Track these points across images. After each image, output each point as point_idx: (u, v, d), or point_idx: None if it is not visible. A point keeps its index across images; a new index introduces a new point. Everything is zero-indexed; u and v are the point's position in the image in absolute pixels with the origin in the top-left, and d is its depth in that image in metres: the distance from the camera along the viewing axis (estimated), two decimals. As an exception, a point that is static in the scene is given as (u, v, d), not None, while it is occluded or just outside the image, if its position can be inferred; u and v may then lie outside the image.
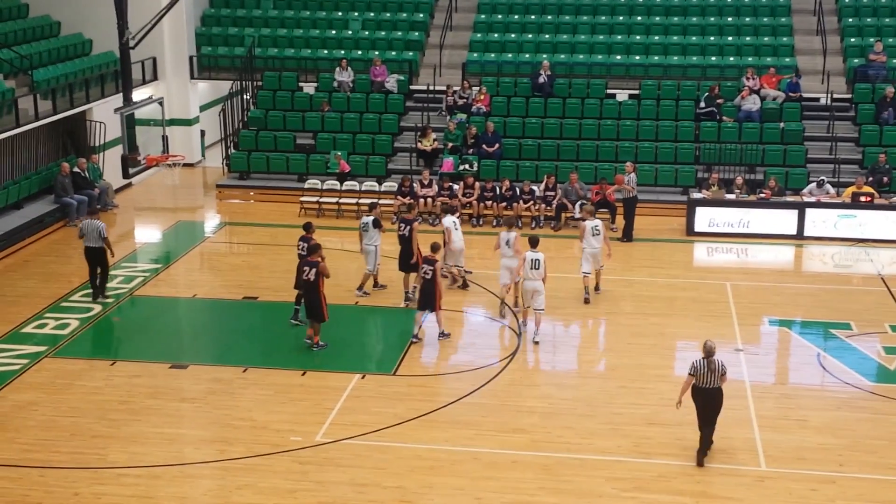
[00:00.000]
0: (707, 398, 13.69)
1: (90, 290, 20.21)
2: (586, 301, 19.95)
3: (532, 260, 18.03)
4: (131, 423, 15.12)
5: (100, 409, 15.55)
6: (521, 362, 17.45)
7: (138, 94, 28.07)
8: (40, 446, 14.44)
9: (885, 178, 25.26)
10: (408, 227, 19.79)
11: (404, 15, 32.15)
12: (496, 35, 31.17)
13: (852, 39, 29.96)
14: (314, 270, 17.33)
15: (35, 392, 16.16)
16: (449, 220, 20.42)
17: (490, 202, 25.29)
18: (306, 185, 26.88)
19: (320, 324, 17.68)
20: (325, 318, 17.61)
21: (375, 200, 21.76)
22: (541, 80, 28.58)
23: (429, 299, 18.01)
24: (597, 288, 20.38)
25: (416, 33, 31.42)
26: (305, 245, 18.57)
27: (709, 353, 13.57)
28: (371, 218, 20.09)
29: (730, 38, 30.52)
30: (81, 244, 19.93)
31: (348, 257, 22.16)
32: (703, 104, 27.76)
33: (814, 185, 24.78)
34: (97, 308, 19.70)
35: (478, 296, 20.17)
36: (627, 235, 23.77)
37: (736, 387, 16.25)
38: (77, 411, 15.51)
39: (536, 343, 18.05)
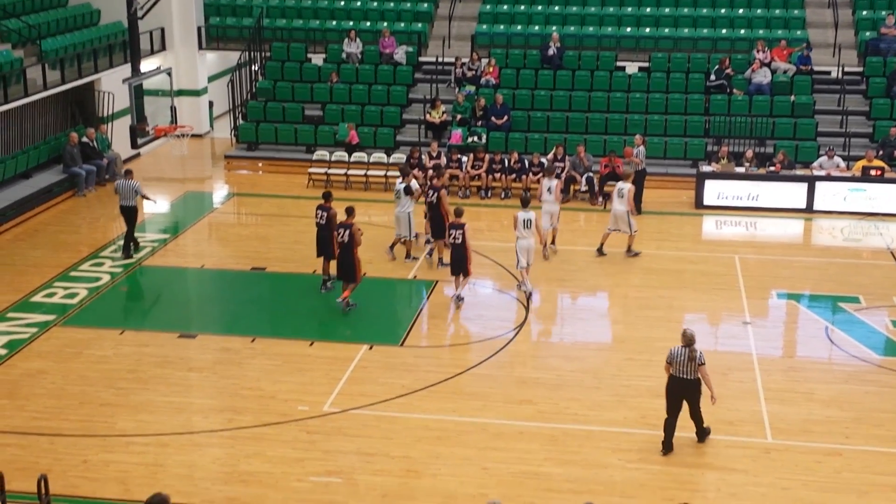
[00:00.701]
0: (683, 389, 13.26)
1: (122, 246, 20.96)
2: (599, 251, 20.86)
3: (524, 220, 18.51)
4: (140, 392, 15.19)
5: (108, 378, 15.62)
6: (529, 334, 17.48)
7: (146, 65, 28.02)
8: (49, 414, 14.52)
9: (896, 152, 25.16)
10: (435, 194, 19.97)
11: (413, -14, 32.01)
12: (505, 7, 30.99)
13: (864, 12, 29.73)
14: (348, 232, 17.60)
15: (44, 360, 16.24)
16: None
17: (499, 174, 25.24)
18: (315, 157, 26.85)
19: (354, 284, 17.92)
20: (358, 279, 17.90)
21: (407, 167, 21.92)
22: (550, 52, 28.45)
23: (460, 264, 18.23)
24: (629, 250, 20.87)
25: (425, 4, 31.26)
26: (325, 214, 18.60)
27: (689, 341, 13.14)
28: (403, 185, 20.21)
29: (741, 11, 30.32)
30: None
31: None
32: (713, 77, 27.64)
33: (824, 157, 24.66)
34: (105, 277, 19.77)
35: (486, 268, 20.16)
36: (636, 208, 23.67)
37: (743, 359, 16.32)
38: (86, 380, 15.58)
39: (524, 291, 18.81)
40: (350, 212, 17.90)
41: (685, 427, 13.72)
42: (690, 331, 13.30)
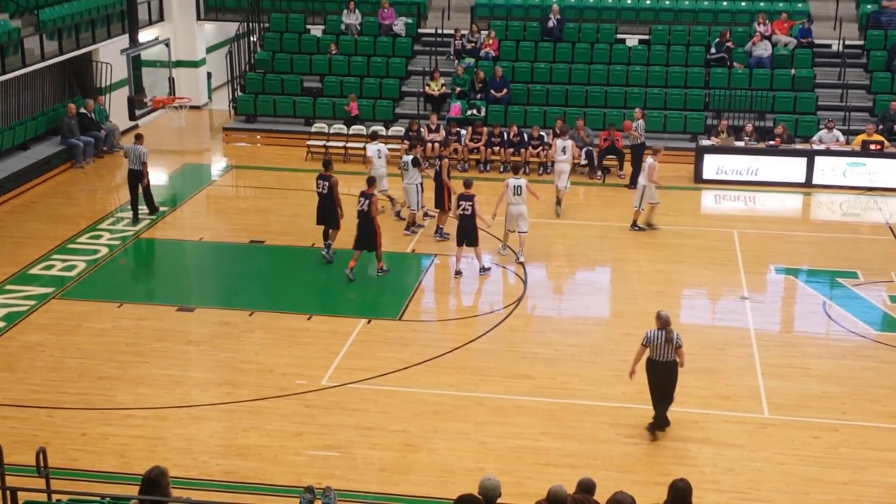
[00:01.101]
0: (661, 372, 13.13)
1: (131, 213, 21.32)
2: (649, 225, 21.00)
3: (514, 186, 18.84)
4: (138, 365, 15.22)
5: (107, 351, 15.64)
6: (527, 308, 17.49)
7: (144, 35, 27.87)
8: (48, 387, 14.56)
9: (896, 126, 25.08)
10: (438, 164, 20.23)
11: (413, -44, 31.76)
12: (505, -22, 30.81)
13: (866, -15, 29.59)
14: (368, 202, 17.86)
15: (42, 333, 16.26)
16: (373, 149, 21.20)
17: (497, 147, 25.17)
18: (313, 129, 26.75)
19: (379, 251, 18.18)
20: (379, 247, 18.11)
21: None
22: (550, 24, 28.31)
23: (468, 234, 18.30)
24: (633, 224, 20.93)
25: (425, -25, 31.07)
26: (326, 183, 18.68)
27: (664, 323, 13.02)
28: (410, 157, 20.44)
29: (742, -17, 30.18)
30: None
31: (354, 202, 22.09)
32: (713, 50, 27.51)
33: (823, 131, 24.58)
34: (104, 250, 19.76)
35: (484, 242, 20.06)
36: (635, 182, 23.59)
37: (741, 335, 16.35)
38: (84, 353, 15.61)
39: (521, 263, 18.89)
40: (371, 182, 18.31)
41: (685, 402, 13.77)
42: (665, 313, 13.20)
